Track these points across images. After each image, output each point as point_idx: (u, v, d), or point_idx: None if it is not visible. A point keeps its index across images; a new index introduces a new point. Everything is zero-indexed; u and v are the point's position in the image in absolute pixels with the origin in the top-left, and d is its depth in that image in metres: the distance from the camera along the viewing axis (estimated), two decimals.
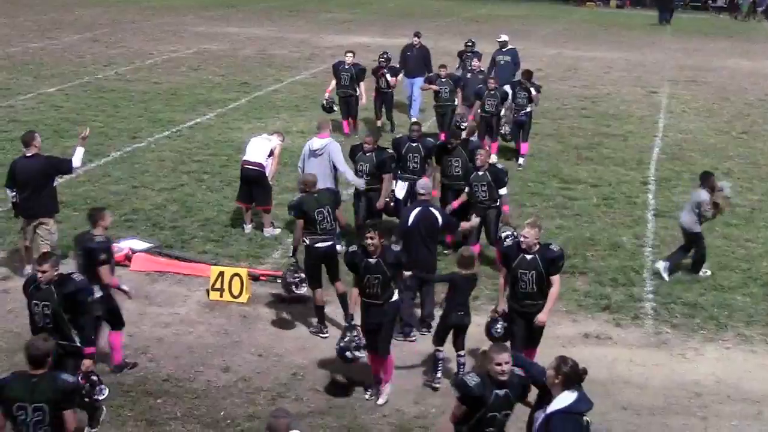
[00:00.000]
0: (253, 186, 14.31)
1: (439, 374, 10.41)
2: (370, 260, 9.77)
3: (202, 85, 25.73)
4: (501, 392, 7.43)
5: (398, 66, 21.07)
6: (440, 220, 11.55)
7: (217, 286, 12.24)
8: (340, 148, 14.02)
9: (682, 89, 27.53)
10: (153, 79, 26.48)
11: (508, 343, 9.27)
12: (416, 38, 21.79)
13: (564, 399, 7.05)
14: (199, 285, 12.50)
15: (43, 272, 8.87)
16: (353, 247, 10.06)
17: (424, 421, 9.61)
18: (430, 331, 11.24)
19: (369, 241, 9.75)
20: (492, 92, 18.23)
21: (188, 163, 18.12)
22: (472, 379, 7.43)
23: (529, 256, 9.83)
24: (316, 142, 13.96)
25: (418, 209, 11.52)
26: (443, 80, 19.24)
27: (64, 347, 8.81)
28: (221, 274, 12.24)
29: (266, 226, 14.53)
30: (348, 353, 9.85)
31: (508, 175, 13.87)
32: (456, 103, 19.14)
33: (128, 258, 13.32)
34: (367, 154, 13.52)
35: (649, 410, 10.04)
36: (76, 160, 12.51)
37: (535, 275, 9.83)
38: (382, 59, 20.33)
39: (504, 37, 22.18)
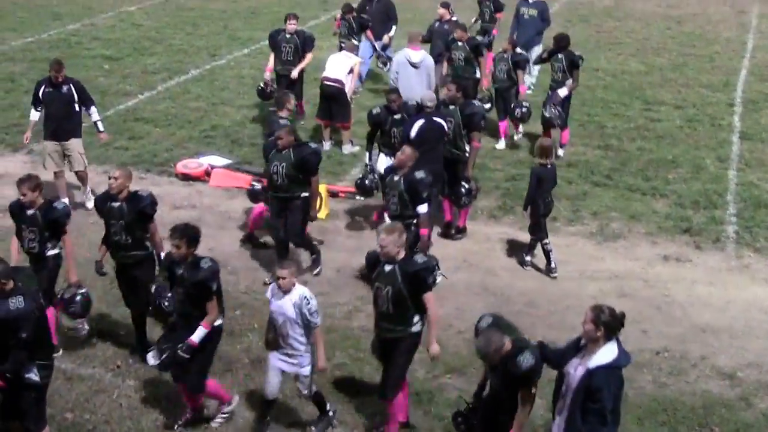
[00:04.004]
0: (333, 103, 14.31)
1: (553, 264, 10.93)
2: (178, 270, 8.02)
3: (281, 3, 25.58)
4: (389, 267, 7.62)
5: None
6: (447, 127, 11.47)
7: None
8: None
9: None
10: None
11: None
12: None
13: (608, 353, 6.45)
14: None
15: None
16: (167, 252, 8.33)
17: None
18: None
19: (174, 249, 7.97)
20: (503, 55, 14.58)
21: None
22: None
23: (388, 268, 7.83)
24: (413, 54, 13.95)
25: (421, 120, 11.35)
26: (460, 45, 14.79)
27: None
28: None
29: (345, 143, 14.56)
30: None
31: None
32: (476, 74, 14.84)
33: (207, 174, 13.51)
34: (283, 153, 10.40)
35: (729, 333, 9.92)
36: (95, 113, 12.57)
37: (391, 292, 7.77)
38: (345, 9, 16.93)
39: None
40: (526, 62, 15.09)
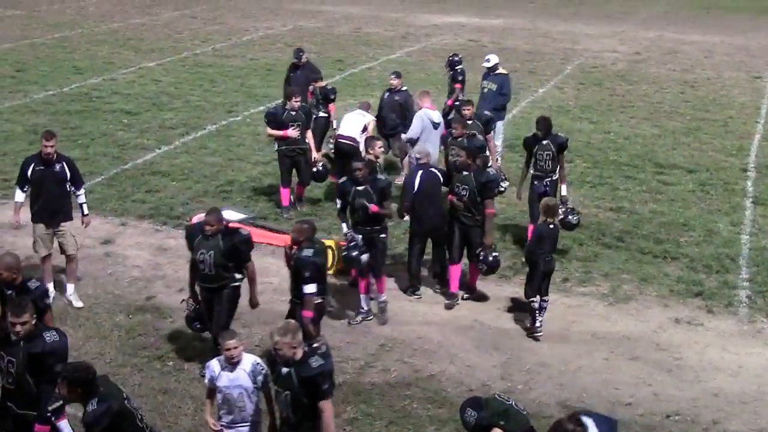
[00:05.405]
0: (347, 160, 14.39)
1: (538, 323, 10.88)
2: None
3: None
4: (285, 370, 7.13)
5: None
6: (441, 178, 11.77)
7: None
8: None
9: None
10: (249, 55, 26.87)
11: None
12: (301, 55, 17.04)
13: None
14: None
15: (22, 324, 7.24)
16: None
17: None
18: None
19: (59, 391, 6.85)
20: (459, 140, 13.05)
21: None
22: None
23: (284, 370, 7.21)
24: (434, 114, 14.33)
25: (420, 172, 11.68)
26: (470, 123, 13.83)
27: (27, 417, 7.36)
28: None
29: None
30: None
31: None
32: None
33: None
34: (210, 239, 9.64)
35: (740, 398, 9.86)
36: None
37: (290, 398, 7.16)
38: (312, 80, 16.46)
39: (492, 60, 17.02)
40: (483, 149, 13.29)
